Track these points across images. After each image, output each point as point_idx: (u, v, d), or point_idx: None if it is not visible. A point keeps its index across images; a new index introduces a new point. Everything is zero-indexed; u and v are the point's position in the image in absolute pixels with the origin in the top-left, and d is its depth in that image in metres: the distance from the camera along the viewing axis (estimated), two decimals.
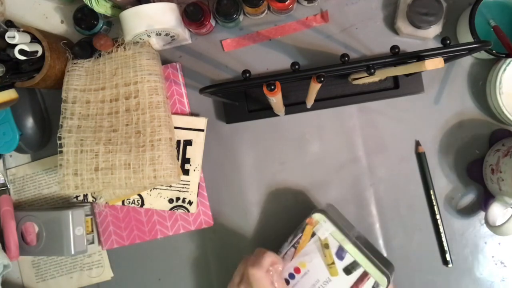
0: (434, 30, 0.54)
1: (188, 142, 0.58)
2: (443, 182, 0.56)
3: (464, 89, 0.56)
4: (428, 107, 0.57)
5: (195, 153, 0.57)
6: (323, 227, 0.48)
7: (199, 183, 0.57)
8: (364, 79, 0.53)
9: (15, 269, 0.61)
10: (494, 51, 0.51)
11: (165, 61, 0.58)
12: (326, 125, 0.58)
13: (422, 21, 0.52)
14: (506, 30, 0.49)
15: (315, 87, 0.43)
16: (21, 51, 0.48)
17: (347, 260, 0.48)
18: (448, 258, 0.55)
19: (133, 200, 0.58)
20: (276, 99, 0.43)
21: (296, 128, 0.58)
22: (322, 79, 0.39)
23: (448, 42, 0.40)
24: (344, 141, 0.57)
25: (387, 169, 0.57)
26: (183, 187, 0.57)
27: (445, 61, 0.40)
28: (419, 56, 0.41)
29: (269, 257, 0.46)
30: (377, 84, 0.56)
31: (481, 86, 0.56)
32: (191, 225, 0.58)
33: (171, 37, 0.55)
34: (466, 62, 0.56)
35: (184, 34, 0.55)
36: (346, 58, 0.40)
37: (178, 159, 0.57)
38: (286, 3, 0.52)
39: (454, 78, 0.56)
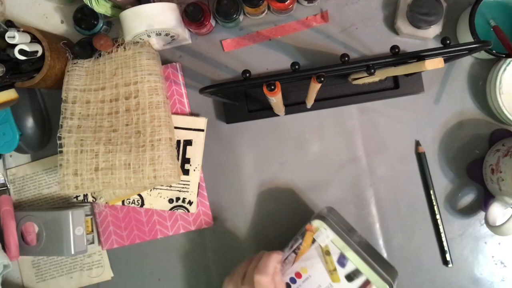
0: (434, 30, 0.54)
1: (188, 142, 0.58)
2: (443, 182, 0.56)
3: (464, 89, 0.56)
4: (428, 107, 0.57)
5: (195, 153, 0.57)
6: (323, 234, 0.47)
7: (199, 183, 0.57)
8: (364, 79, 0.53)
9: (15, 269, 0.61)
10: (494, 51, 0.51)
11: (165, 61, 0.58)
12: (326, 125, 0.58)
13: (422, 21, 0.52)
14: (506, 30, 0.49)
15: (315, 87, 0.43)
16: (21, 51, 0.48)
17: (349, 267, 0.47)
18: (448, 258, 0.55)
19: (133, 200, 0.58)
20: (276, 99, 0.43)
21: (296, 128, 0.58)
22: (322, 79, 0.39)
23: (448, 42, 0.40)
24: (344, 141, 0.57)
25: (387, 169, 0.57)
26: (183, 187, 0.57)
27: (445, 61, 0.40)
28: (419, 56, 0.41)
29: (275, 261, 0.45)
30: (377, 84, 0.56)
31: (481, 86, 0.56)
32: (191, 225, 0.58)
33: (171, 37, 0.55)
34: (466, 62, 0.56)
35: (184, 34, 0.55)
36: (346, 58, 0.40)
37: (178, 159, 0.57)
38: (286, 3, 0.52)
39: (454, 78, 0.56)
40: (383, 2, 0.57)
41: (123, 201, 0.58)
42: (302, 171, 0.58)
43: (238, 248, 0.58)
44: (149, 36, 0.53)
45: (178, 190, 0.58)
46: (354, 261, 0.47)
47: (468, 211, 0.56)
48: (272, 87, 0.39)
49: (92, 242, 0.59)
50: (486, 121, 0.56)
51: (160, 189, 0.58)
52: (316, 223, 0.48)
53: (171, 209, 0.58)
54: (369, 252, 0.48)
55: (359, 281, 0.46)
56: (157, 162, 0.51)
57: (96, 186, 0.51)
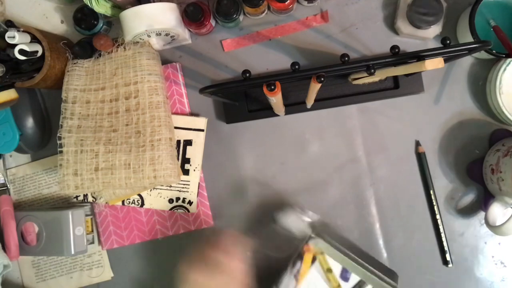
0: (434, 30, 0.54)
1: (188, 142, 0.58)
2: (443, 182, 0.56)
3: (464, 89, 0.56)
4: (428, 107, 0.57)
5: (195, 153, 0.57)
6: (324, 253, 0.46)
7: (199, 183, 0.57)
8: (364, 79, 0.53)
9: (15, 269, 0.61)
10: (494, 51, 0.51)
11: (165, 61, 0.58)
12: (326, 125, 0.58)
13: (422, 21, 0.52)
14: (506, 30, 0.49)
15: (315, 87, 0.43)
16: (21, 51, 0.48)
17: (353, 280, 0.46)
18: (448, 258, 0.55)
19: (133, 200, 0.58)
20: (276, 99, 0.43)
21: (296, 128, 0.58)
22: (322, 79, 0.39)
23: (448, 42, 0.40)
24: (344, 141, 0.57)
25: (387, 169, 0.57)
26: (183, 187, 0.57)
27: (445, 61, 0.40)
28: (419, 56, 0.41)
29: (241, 244, 0.45)
30: (377, 84, 0.56)
31: (481, 86, 0.56)
32: (191, 225, 0.58)
33: (171, 37, 0.55)
34: (466, 62, 0.56)
35: (184, 34, 0.55)
36: (346, 58, 0.40)
37: (178, 159, 0.57)
38: (286, 3, 0.52)
39: (454, 78, 0.56)
40: (383, 2, 0.57)
41: (123, 201, 0.58)
42: (302, 171, 0.58)
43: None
44: (149, 36, 0.53)
45: (178, 190, 0.58)
46: (358, 273, 0.46)
47: (468, 211, 0.56)
48: (272, 87, 0.39)
49: (92, 242, 0.59)
50: (486, 121, 0.56)
51: (160, 189, 0.58)
52: (314, 243, 0.46)
53: (171, 209, 0.58)
54: (367, 260, 0.48)
55: None
56: (157, 162, 0.51)
57: (96, 186, 0.51)
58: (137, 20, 0.51)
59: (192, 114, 0.59)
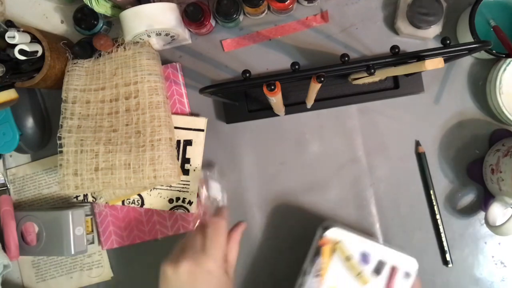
0: (434, 30, 0.54)
1: (188, 142, 0.58)
2: (443, 182, 0.56)
3: (464, 89, 0.56)
4: (428, 107, 0.57)
5: (195, 153, 0.57)
6: (341, 241, 0.45)
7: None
8: (364, 79, 0.53)
9: (15, 269, 0.61)
10: (494, 51, 0.51)
11: (165, 61, 0.58)
12: (326, 125, 0.58)
13: (422, 21, 0.52)
14: (506, 30, 0.49)
15: (315, 87, 0.43)
16: (21, 51, 0.48)
17: (373, 261, 0.45)
18: (448, 258, 0.55)
19: (133, 200, 0.58)
20: (276, 99, 0.43)
21: (296, 128, 0.58)
22: (322, 79, 0.39)
23: (448, 42, 0.40)
24: (344, 141, 0.57)
25: (387, 169, 0.57)
26: (183, 187, 0.57)
27: (445, 61, 0.40)
28: (419, 56, 0.41)
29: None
30: (377, 84, 0.56)
31: (481, 86, 0.56)
32: (191, 225, 0.58)
33: (171, 37, 0.55)
34: (466, 62, 0.56)
35: (184, 34, 0.55)
36: (346, 58, 0.40)
37: (178, 159, 0.57)
38: (286, 3, 0.52)
39: (454, 78, 0.56)
40: (383, 2, 0.57)
41: (123, 201, 0.58)
42: (302, 171, 0.58)
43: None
44: (149, 36, 0.53)
45: (178, 190, 0.58)
46: (377, 251, 0.45)
47: (468, 211, 0.56)
48: (272, 87, 0.39)
49: (92, 242, 0.59)
50: (486, 121, 0.56)
51: (160, 189, 0.58)
52: (330, 233, 0.45)
53: (171, 209, 0.58)
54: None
55: (385, 271, 0.45)
56: (157, 162, 0.51)
57: (96, 186, 0.51)
58: (137, 20, 0.51)
59: (192, 114, 0.59)
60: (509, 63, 0.52)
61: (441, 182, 0.56)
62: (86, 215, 0.58)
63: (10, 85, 0.52)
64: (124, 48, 0.55)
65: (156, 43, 0.56)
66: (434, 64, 0.38)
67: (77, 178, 0.51)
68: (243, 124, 0.58)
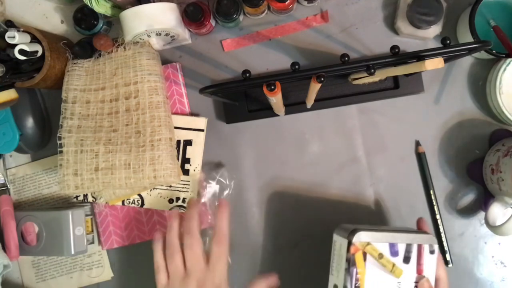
0: (434, 30, 0.54)
1: (188, 142, 0.58)
2: (443, 182, 0.56)
3: (464, 89, 0.56)
4: (428, 107, 0.57)
5: (195, 153, 0.57)
6: (371, 243, 0.43)
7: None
8: (364, 79, 0.53)
9: (15, 269, 0.61)
10: (494, 51, 0.51)
11: (165, 61, 0.58)
12: (326, 125, 0.58)
13: (422, 21, 0.52)
14: (506, 30, 0.49)
15: (315, 87, 0.43)
16: (21, 51, 0.48)
17: (401, 250, 0.44)
18: (448, 258, 0.55)
19: (133, 200, 0.58)
20: (276, 99, 0.43)
21: (296, 128, 0.58)
22: (322, 79, 0.39)
23: (448, 42, 0.40)
24: (344, 141, 0.57)
25: (387, 169, 0.57)
26: (183, 187, 0.57)
27: (445, 61, 0.40)
28: (419, 56, 0.41)
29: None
30: (377, 84, 0.56)
31: (481, 86, 0.56)
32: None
33: (171, 37, 0.55)
34: (466, 62, 0.56)
35: (184, 34, 0.55)
36: (346, 58, 0.40)
37: (178, 159, 0.57)
38: (286, 3, 0.52)
39: (454, 78, 0.56)
40: (383, 2, 0.57)
41: (123, 201, 0.58)
42: (302, 171, 0.58)
43: (238, 248, 0.58)
44: (149, 36, 0.53)
45: (178, 190, 0.58)
46: (402, 239, 0.44)
47: (468, 211, 0.56)
48: (272, 87, 0.39)
49: (92, 242, 0.59)
50: (486, 121, 0.56)
51: (160, 189, 0.58)
52: (359, 238, 0.42)
53: (171, 209, 0.58)
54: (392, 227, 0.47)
55: (413, 255, 0.44)
56: (157, 162, 0.51)
57: (96, 186, 0.51)
58: (137, 20, 0.51)
59: (192, 114, 0.59)
60: (509, 63, 0.52)
61: (441, 182, 0.56)
62: (86, 215, 0.58)
63: (10, 85, 0.52)
64: (124, 48, 0.55)
65: (156, 43, 0.56)
66: (434, 64, 0.38)
67: (77, 178, 0.51)
68: (243, 124, 0.58)
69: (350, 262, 0.42)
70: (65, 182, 0.51)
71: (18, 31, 0.49)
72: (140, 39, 0.54)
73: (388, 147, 0.57)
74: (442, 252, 0.56)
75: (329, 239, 0.47)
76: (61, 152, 0.53)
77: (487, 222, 0.50)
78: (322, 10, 0.57)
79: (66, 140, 0.53)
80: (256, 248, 0.58)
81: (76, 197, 0.60)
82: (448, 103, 0.56)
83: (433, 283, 0.44)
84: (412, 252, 0.44)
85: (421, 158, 0.56)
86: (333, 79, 0.56)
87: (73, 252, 0.56)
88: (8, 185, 0.62)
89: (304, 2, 0.56)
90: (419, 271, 0.44)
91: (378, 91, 0.56)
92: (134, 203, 0.58)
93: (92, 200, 0.59)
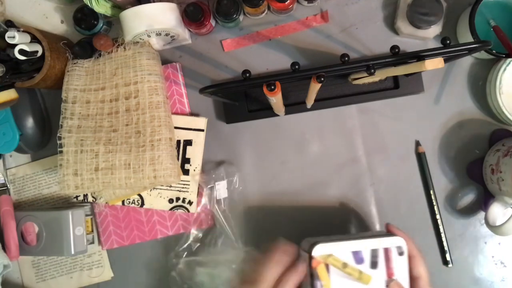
0: (434, 30, 0.54)
1: (188, 142, 0.58)
2: (443, 182, 0.56)
3: (464, 89, 0.56)
4: (428, 107, 0.57)
5: (195, 153, 0.57)
6: (331, 255, 0.43)
7: (199, 183, 0.57)
8: (364, 79, 0.53)
9: (15, 269, 0.61)
10: (494, 51, 0.51)
11: (165, 61, 0.58)
12: (326, 125, 0.58)
13: (422, 21, 0.52)
14: (506, 30, 0.49)
15: (315, 87, 0.43)
16: (21, 51, 0.48)
17: (366, 256, 0.44)
18: (448, 258, 0.55)
19: (133, 200, 0.58)
20: (276, 99, 0.43)
21: (296, 128, 0.58)
22: (322, 79, 0.39)
23: (448, 42, 0.40)
24: (344, 141, 0.57)
25: (387, 169, 0.57)
26: (183, 187, 0.57)
27: (445, 61, 0.40)
28: (419, 56, 0.41)
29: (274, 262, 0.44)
30: (377, 84, 0.56)
31: (481, 86, 0.56)
32: (191, 225, 0.58)
33: (171, 37, 0.55)
34: (466, 62, 0.56)
35: (184, 34, 0.55)
36: (346, 58, 0.40)
37: (178, 159, 0.57)
38: (286, 3, 0.52)
39: (454, 78, 0.56)
40: (383, 2, 0.57)
41: (123, 201, 0.58)
42: (302, 171, 0.58)
43: (238, 248, 0.58)
44: (149, 36, 0.53)
45: (178, 190, 0.58)
46: (366, 245, 0.44)
47: (468, 211, 0.56)
48: (272, 87, 0.39)
49: (92, 242, 0.59)
50: (486, 121, 0.56)
51: (160, 189, 0.58)
52: (317, 251, 0.42)
53: (171, 209, 0.58)
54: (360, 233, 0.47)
55: (381, 260, 0.44)
56: (157, 162, 0.51)
57: (96, 186, 0.51)
58: (137, 20, 0.51)
59: (192, 114, 0.59)
60: (509, 63, 0.52)
61: (441, 182, 0.56)
62: (86, 215, 0.58)
63: (10, 85, 0.52)
64: (124, 48, 0.55)
65: (156, 43, 0.56)
66: (434, 64, 0.38)
67: (77, 178, 0.51)
68: (243, 124, 0.58)
69: (314, 276, 0.42)
70: (65, 182, 0.51)
71: (18, 31, 0.49)
72: (140, 39, 0.54)
73: (388, 147, 0.57)
74: (442, 252, 0.56)
75: None
76: (61, 152, 0.53)
77: (487, 222, 0.50)
78: (322, 10, 0.57)
79: (66, 140, 0.53)
80: (255, 247, 0.58)
81: (76, 197, 0.60)
82: (448, 103, 0.56)
83: (407, 284, 0.44)
84: (378, 256, 0.44)
85: (421, 158, 0.56)
86: (333, 79, 0.56)
87: (73, 252, 0.56)
88: (8, 185, 0.62)
89: (304, 2, 0.56)
90: (389, 274, 0.44)
91: (378, 91, 0.56)
92: (134, 203, 0.58)
93: (92, 200, 0.59)
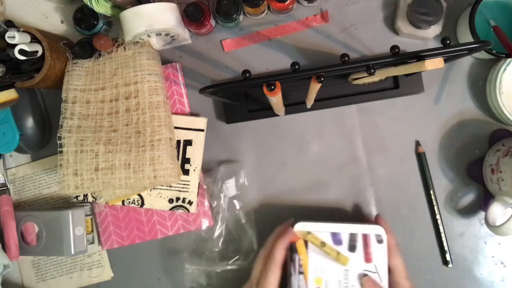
0: (434, 30, 0.54)
1: (188, 142, 0.58)
2: (443, 182, 0.56)
3: (464, 89, 0.56)
4: (428, 107, 0.57)
5: (195, 153, 0.57)
6: (311, 231, 0.46)
7: (199, 183, 0.57)
8: (364, 79, 0.53)
9: (15, 269, 0.61)
10: (494, 51, 0.51)
11: (165, 61, 0.58)
12: (326, 125, 0.58)
13: (422, 21, 0.52)
14: (506, 30, 0.49)
15: (315, 87, 0.43)
16: (21, 51, 0.48)
17: (345, 239, 0.46)
18: (448, 258, 0.55)
19: (133, 200, 0.58)
20: (276, 99, 0.43)
21: (296, 128, 0.58)
22: (322, 79, 0.39)
23: (448, 42, 0.40)
24: (344, 141, 0.57)
25: (387, 169, 0.57)
26: (183, 187, 0.57)
27: (445, 61, 0.40)
28: (419, 56, 0.41)
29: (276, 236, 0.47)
30: (377, 84, 0.56)
31: (481, 86, 0.56)
32: (191, 225, 0.58)
33: (171, 37, 0.55)
34: (466, 62, 0.56)
35: (184, 34, 0.55)
36: (346, 58, 0.40)
37: (178, 159, 0.57)
38: (286, 3, 0.52)
39: (454, 78, 0.56)
40: (383, 2, 0.57)
41: (123, 201, 0.58)
42: (302, 171, 0.58)
43: (238, 248, 0.58)
44: (149, 36, 0.53)
45: (178, 190, 0.58)
46: (345, 228, 0.46)
47: (468, 211, 0.56)
48: (272, 87, 0.39)
49: (92, 242, 0.59)
50: (486, 121, 0.56)
51: (160, 189, 0.58)
52: (297, 228, 0.46)
53: (171, 209, 0.58)
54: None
55: (359, 244, 0.46)
56: (157, 162, 0.51)
57: (96, 186, 0.51)
58: (137, 20, 0.51)
59: (192, 114, 0.59)
60: (509, 63, 0.52)
61: (441, 182, 0.56)
62: (86, 215, 0.58)
63: (10, 85, 0.52)
64: (124, 48, 0.55)
65: (156, 43, 0.56)
66: (434, 64, 0.38)
67: (77, 178, 0.51)
68: (243, 124, 0.58)
69: (293, 250, 0.46)
70: (65, 182, 0.51)
71: (18, 31, 0.49)
72: (140, 39, 0.54)
73: (388, 147, 0.57)
74: (442, 252, 0.56)
75: None
76: (61, 152, 0.53)
77: (487, 222, 0.50)
78: (322, 10, 0.57)
79: (66, 140, 0.53)
80: (254, 248, 0.58)
81: (76, 197, 0.60)
82: (448, 103, 0.56)
83: (385, 272, 0.45)
84: (357, 241, 0.46)
85: (421, 158, 0.56)
86: (333, 79, 0.56)
87: (73, 252, 0.56)
88: (8, 185, 0.62)
89: (304, 2, 0.56)
90: (367, 259, 0.46)
91: (378, 91, 0.56)
92: (134, 203, 0.58)
93: (92, 200, 0.59)
